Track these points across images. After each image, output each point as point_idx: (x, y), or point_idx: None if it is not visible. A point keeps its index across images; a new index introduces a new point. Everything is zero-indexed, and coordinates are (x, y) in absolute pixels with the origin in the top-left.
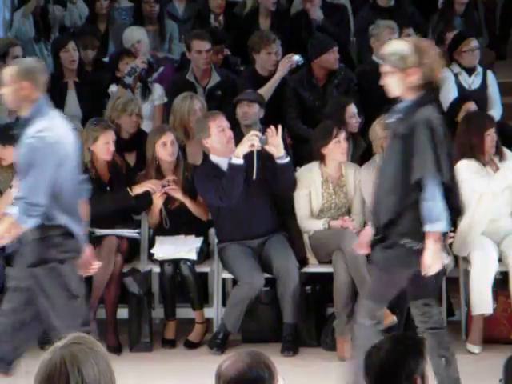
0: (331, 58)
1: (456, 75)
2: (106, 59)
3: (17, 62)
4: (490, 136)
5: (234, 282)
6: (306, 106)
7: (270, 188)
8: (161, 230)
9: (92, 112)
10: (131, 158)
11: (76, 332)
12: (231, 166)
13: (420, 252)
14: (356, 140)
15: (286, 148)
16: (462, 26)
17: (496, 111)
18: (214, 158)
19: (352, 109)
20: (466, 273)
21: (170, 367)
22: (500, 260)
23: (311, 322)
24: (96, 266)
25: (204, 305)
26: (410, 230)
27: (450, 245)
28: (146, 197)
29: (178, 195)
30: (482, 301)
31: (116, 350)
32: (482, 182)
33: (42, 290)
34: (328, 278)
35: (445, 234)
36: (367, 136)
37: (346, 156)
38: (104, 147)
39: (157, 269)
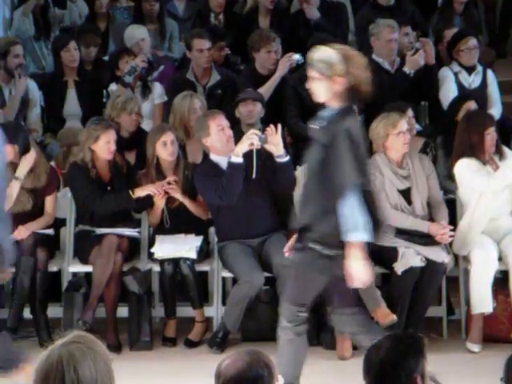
0: None
1: (456, 74)
2: (106, 58)
3: None
4: (490, 135)
5: (234, 280)
6: (305, 105)
7: (269, 187)
8: (161, 228)
9: (92, 111)
10: (131, 157)
11: None
12: (231, 165)
13: (331, 258)
14: None
15: (285, 147)
16: (462, 24)
17: (496, 110)
18: (213, 156)
19: None
20: (466, 272)
21: (170, 366)
22: (500, 259)
23: (311, 321)
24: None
25: (204, 304)
26: (323, 237)
27: (450, 244)
28: (148, 198)
29: (178, 195)
30: (481, 300)
31: (116, 348)
32: (482, 181)
33: None
34: None
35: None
36: (367, 135)
37: None
38: (105, 146)
39: (157, 268)
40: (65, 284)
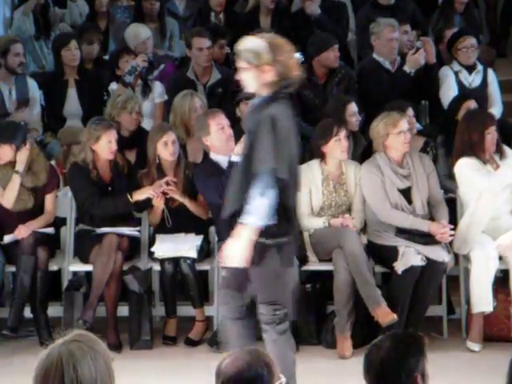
0: (331, 56)
1: (456, 73)
2: (106, 57)
3: None
4: (491, 134)
5: None
6: (306, 104)
7: None
8: (161, 228)
9: (92, 110)
10: (131, 156)
11: None
12: (231, 164)
13: (274, 246)
14: (356, 138)
15: None
16: (463, 23)
17: (496, 109)
18: (213, 156)
19: (352, 107)
20: (467, 271)
21: (171, 365)
22: (500, 258)
23: (311, 320)
24: None
25: (204, 303)
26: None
27: (451, 243)
28: (147, 200)
29: (177, 196)
30: (482, 299)
31: (116, 347)
32: (482, 180)
33: None
34: (328, 276)
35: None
36: (368, 134)
37: (347, 154)
38: (106, 146)
39: (157, 267)
40: (65, 283)
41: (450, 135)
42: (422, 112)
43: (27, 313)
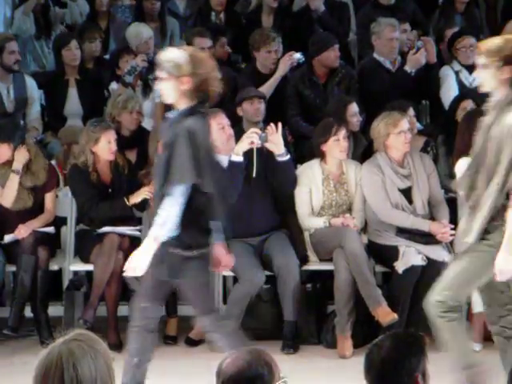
0: (332, 56)
1: (457, 73)
2: (107, 57)
3: None
4: None
5: (235, 279)
6: (306, 104)
7: (270, 186)
8: None
9: (93, 109)
10: (132, 156)
11: None
12: (231, 164)
13: (199, 257)
14: (357, 138)
15: (286, 146)
16: (463, 23)
17: None
18: None
19: (353, 108)
20: None
21: (171, 364)
22: None
23: (312, 320)
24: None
25: None
26: (178, 239)
27: (451, 243)
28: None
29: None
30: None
31: (117, 347)
32: None
33: None
34: (329, 275)
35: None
36: (368, 134)
37: (346, 154)
38: (106, 147)
39: None
40: (66, 283)
41: (450, 135)
42: (422, 112)
43: (28, 312)
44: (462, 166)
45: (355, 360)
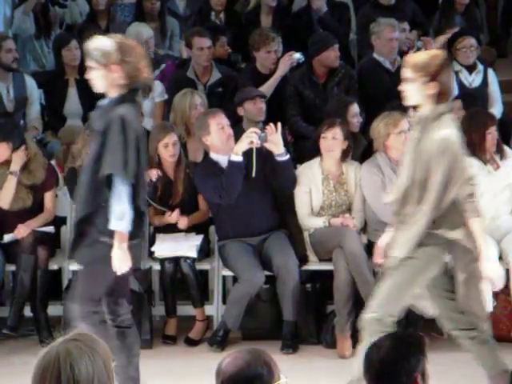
0: (332, 56)
1: (456, 73)
2: None
3: None
4: (491, 134)
5: (235, 279)
6: (306, 104)
7: (269, 185)
8: (161, 227)
9: (92, 109)
10: None
11: None
12: (230, 164)
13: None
14: (357, 138)
15: (286, 145)
16: (463, 23)
17: (497, 109)
18: (213, 155)
19: (354, 108)
20: None
21: (170, 364)
22: (500, 258)
23: (311, 320)
24: None
25: (204, 302)
26: (106, 227)
27: None
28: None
29: (183, 223)
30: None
31: None
32: (482, 181)
33: None
34: (328, 275)
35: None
36: (368, 134)
37: (330, 153)
38: None
39: (157, 266)
40: (65, 282)
41: None
42: None
43: (27, 312)
44: None
45: (355, 360)
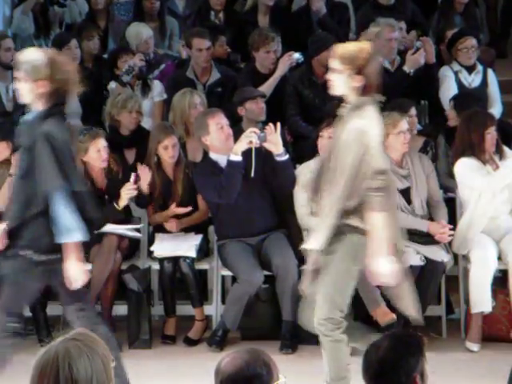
0: (331, 55)
1: (456, 73)
2: (106, 56)
3: None
4: (491, 134)
5: (234, 279)
6: (305, 104)
7: (269, 185)
8: (160, 227)
9: (92, 109)
10: (131, 155)
11: None
12: (229, 163)
13: (45, 263)
14: None
15: (285, 145)
16: (463, 23)
17: (496, 109)
18: (213, 155)
19: None
20: (466, 271)
21: (169, 364)
22: (499, 258)
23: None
24: None
25: (203, 302)
26: (31, 242)
27: (450, 243)
28: (147, 196)
29: (172, 226)
30: (481, 299)
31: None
32: (481, 181)
33: None
34: None
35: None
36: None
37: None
38: (96, 156)
39: (156, 266)
40: None
41: (450, 135)
42: (421, 112)
43: (26, 311)
44: (461, 165)
45: (354, 360)
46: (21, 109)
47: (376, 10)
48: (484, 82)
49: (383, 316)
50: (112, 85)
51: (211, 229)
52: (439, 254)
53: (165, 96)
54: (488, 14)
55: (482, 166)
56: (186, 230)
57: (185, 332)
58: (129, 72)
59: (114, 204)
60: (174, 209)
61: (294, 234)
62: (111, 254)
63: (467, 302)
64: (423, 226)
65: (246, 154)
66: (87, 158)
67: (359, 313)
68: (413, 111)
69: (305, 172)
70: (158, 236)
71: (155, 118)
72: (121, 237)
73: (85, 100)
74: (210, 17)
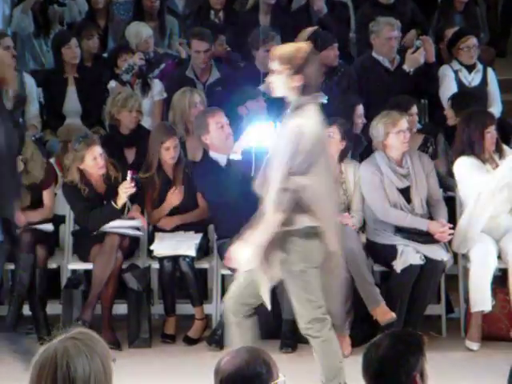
0: (331, 55)
1: (456, 72)
2: (106, 55)
3: None
4: (490, 133)
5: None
6: None
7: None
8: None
9: (92, 108)
10: (131, 154)
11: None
12: (229, 163)
13: None
14: (356, 138)
15: None
16: (463, 22)
17: (496, 108)
18: (213, 154)
19: (360, 109)
20: (465, 270)
21: (169, 363)
22: (499, 257)
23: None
24: None
25: (203, 301)
26: None
27: (450, 242)
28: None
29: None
30: (480, 298)
31: (115, 345)
32: (481, 180)
33: None
34: None
35: None
36: (368, 133)
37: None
38: (93, 163)
39: (156, 265)
40: (64, 281)
41: (450, 133)
42: (421, 111)
43: (26, 310)
44: (461, 164)
45: (353, 359)
46: (20, 108)
47: (376, 8)
48: (484, 81)
49: (383, 315)
50: (112, 84)
51: (211, 227)
52: (439, 253)
53: (165, 95)
54: (488, 12)
55: (482, 165)
56: (186, 228)
57: (185, 331)
58: (129, 71)
59: (112, 203)
60: (170, 196)
61: None
62: (113, 253)
63: (467, 300)
64: (423, 225)
65: (246, 153)
66: (84, 166)
67: (359, 312)
68: (414, 109)
69: None
70: (158, 235)
71: (155, 117)
72: (122, 236)
73: (85, 99)
74: (209, 16)
